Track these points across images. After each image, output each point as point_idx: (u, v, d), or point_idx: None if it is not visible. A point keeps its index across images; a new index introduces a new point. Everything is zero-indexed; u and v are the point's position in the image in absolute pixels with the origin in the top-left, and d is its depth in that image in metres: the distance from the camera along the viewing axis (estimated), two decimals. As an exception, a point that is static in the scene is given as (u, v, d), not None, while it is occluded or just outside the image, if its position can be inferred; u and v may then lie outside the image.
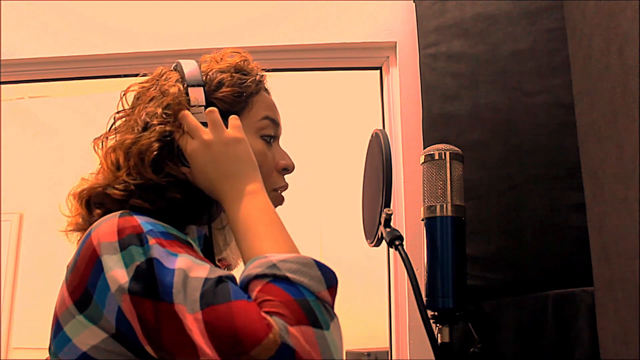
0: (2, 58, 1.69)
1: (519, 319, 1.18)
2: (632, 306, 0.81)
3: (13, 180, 3.31)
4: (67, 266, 0.69)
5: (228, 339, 0.57)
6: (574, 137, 1.05)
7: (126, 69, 1.70)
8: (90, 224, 0.72)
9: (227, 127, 0.75)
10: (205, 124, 0.75)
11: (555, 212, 1.20)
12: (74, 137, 3.41)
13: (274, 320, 0.57)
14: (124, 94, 0.83)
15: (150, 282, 0.60)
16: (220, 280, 0.61)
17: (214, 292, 0.59)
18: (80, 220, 0.76)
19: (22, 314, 3.31)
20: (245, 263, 0.68)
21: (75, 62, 1.72)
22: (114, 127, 0.81)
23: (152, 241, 0.63)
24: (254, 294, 0.61)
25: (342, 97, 3.08)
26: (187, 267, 0.61)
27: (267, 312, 0.58)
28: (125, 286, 0.61)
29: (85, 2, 1.73)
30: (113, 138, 0.79)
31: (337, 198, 3.13)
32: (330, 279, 0.63)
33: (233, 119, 0.77)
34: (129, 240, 0.63)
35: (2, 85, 1.81)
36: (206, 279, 0.61)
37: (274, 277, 0.61)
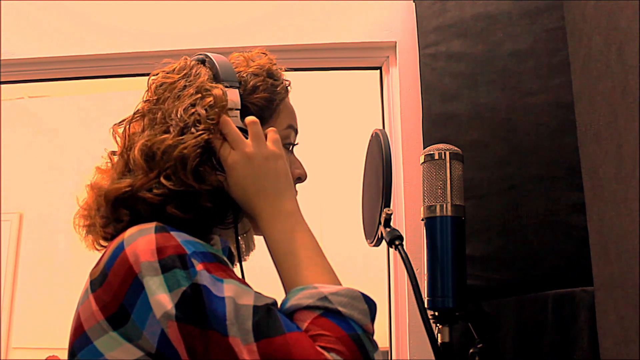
0: (2, 58, 1.69)
1: (519, 319, 1.18)
2: (632, 306, 0.81)
3: (13, 180, 3.31)
4: (91, 274, 0.66)
5: None
6: (574, 137, 1.05)
7: (126, 69, 1.70)
8: (116, 228, 0.70)
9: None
10: (241, 129, 0.73)
11: (555, 212, 1.20)
12: (74, 137, 3.41)
13: (332, 357, 0.58)
14: (152, 83, 0.78)
15: (197, 309, 0.59)
16: (269, 309, 0.61)
17: (267, 322, 0.59)
18: (100, 219, 0.72)
19: (22, 314, 3.31)
20: (286, 287, 0.68)
21: (75, 62, 1.72)
22: (138, 114, 0.77)
23: (199, 266, 0.62)
24: (304, 325, 0.61)
25: (342, 97, 3.08)
26: (235, 294, 0.61)
27: (323, 347, 0.58)
28: (172, 313, 0.59)
29: (85, 2, 1.73)
30: (138, 128, 0.75)
31: (337, 198, 3.13)
32: (373, 311, 0.65)
33: (272, 132, 0.75)
34: (172, 263, 0.61)
35: (2, 85, 1.81)
36: (255, 307, 0.60)
37: (326, 310, 0.61)
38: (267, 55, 0.84)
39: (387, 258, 1.66)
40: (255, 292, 0.63)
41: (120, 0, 1.72)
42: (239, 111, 0.74)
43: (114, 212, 0.70)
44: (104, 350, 0.62)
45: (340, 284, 0.67)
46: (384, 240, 0.93)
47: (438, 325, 0.97)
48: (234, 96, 0.75)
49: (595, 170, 0.94)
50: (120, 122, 0.78)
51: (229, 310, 0.59)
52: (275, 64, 0.83)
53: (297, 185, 0.84)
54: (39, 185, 3.42)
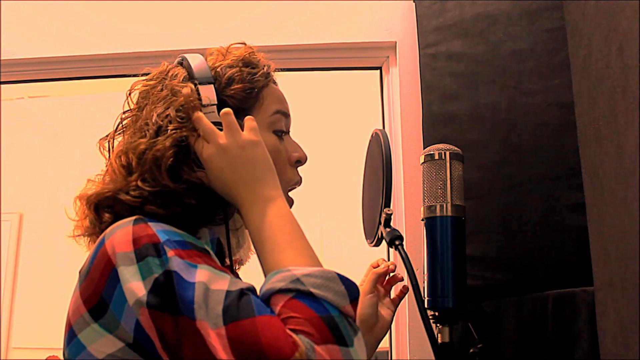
0: (2, 58, 1.69)
1: (519, 319, 1.18)
2: (632, 306, 0.81)
3: (13, 180, 3.31)
4: (80, 272, 0.68)
5: (253, 355, 0.55)
6: (574, 137, 1.05)
7: (126, 69, 1.70)
8: (100, 228, 0.71)
9: (241, 128, 0.73)
10: (218, 124, 0.73)
11: (555, 212, 1.20)
12: (74, 137, 3.41)
13: (300, 339, 0.56)
14: (129, 93, 0.80)
15: (169, 295, 0.59)
16: (242, 293, 0.60)
17: (237, 306, 0.58)
18: (89, 224, 0.74)
19: (22, 314, 3.31)
20: (265, 273, 0.67)
21: (75, 62, 1.72)
22: (120, 126, 0.79)
23: (170, 253, 0.62)
24: (277, 309, 0.60)
25: (342, 97, 3.08)
26: (208, 280, 0.60)
27: (292, 330, 0.57)
28: (143, 299, 0.60)
29: (85, 2, 1.73)
30: (120, 139, 0.77)
31: (337, 198, 3.13)
32: (353, 292, 0.62)
33: (249, 121, 0.74)
34: (145, 251, 0.62)
35: (2, 85, 1.81)
36: (228, 292, 0.59)
37: (298, 292, 0.60)
38: (245, 45, 0.83)
39: (387, 258, 1.66)
40: (234, 278, 0.62)
41: (120, 0, 1.72)
42: (215, 106, 0.74)
43: (97, 215, 0.72)
44: (87, 342, 0.63)
45: (321, 264, 0.65)
46: (384, 240, 0.93)
47: (438, 325, 0.97)
48: (208, 92, 0.75)
49: (595, 170, 0.94)
50: (106, 136, 0.79)
51: (197, 295, 0.59)
52: (252, 52, 0.82)
53: (302, 188, 0.84)
54: (39, 185, 3.42)
